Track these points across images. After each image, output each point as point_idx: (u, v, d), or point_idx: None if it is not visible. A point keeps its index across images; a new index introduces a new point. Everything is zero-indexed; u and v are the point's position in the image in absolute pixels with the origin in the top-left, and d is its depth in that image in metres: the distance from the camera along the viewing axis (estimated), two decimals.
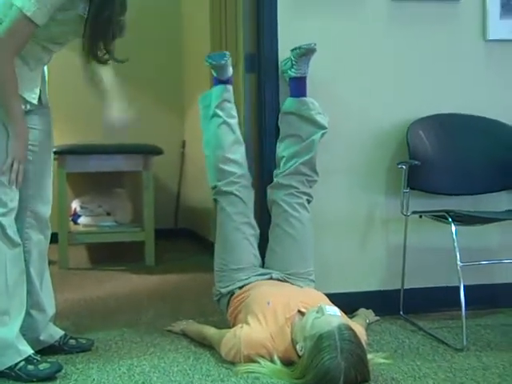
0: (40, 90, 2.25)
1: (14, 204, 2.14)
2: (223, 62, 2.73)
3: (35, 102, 2.20)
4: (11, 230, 2.13)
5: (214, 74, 2.79)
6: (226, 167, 2.66)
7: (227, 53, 2.76)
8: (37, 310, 2.29)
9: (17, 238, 2.15)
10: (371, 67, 2.87)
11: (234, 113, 2.75)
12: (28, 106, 2.18)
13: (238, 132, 2.74)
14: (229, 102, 2.74)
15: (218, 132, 2.70)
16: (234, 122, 2.73)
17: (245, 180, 2.69)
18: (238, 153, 2.70)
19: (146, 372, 2.16)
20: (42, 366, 2.10)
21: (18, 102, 2.12)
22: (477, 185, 2.83)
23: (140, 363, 2.25)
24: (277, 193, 2.69)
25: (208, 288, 2.84)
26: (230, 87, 2.77)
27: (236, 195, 2.65)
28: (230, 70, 2.79)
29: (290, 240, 2.63)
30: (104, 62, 2.21)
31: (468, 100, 2.92)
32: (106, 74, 2.39)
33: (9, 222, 2.12)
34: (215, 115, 2.71)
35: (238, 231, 2.63)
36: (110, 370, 2.18)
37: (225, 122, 2.70)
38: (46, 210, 2.31)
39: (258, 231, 2.69)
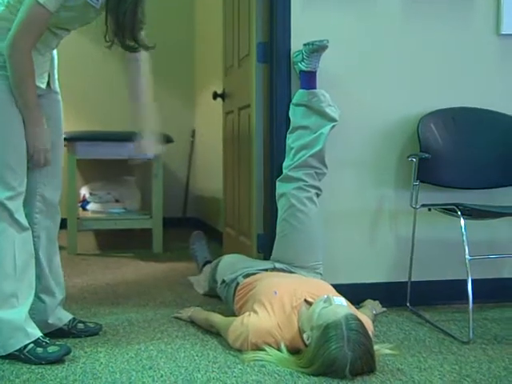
0: (49, 75, 2.25)
1: (22, 188, 2.15)
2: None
3: (43, 86, 2.21)
4: (19, 214, 2.14)
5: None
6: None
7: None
8: (46, 294, 2.32)
9: (25, 222, 2.16)
10: (383, 61, 2.87)
11: None
12: (37, 91, 2.18)
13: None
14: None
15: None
16: None
17: None
18: None
19: (153, 357, 2.18)
20: (50, 349, 2.12)
21: (34, 91, 2.13)
22: (487, 179, 2.83)
23: (147, 348, 2.27)
24: (286, 186, 2.69)
25: None
26: None
27: None
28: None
29: (297, 234, 2.64)
30: (134, 50, 2.20)
31: (481, 94, 2.91)
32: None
33: (16, 206, 2.13)
34: None
35: None
36: (118, 355, 2.20)
37: None
38: (55, 195, 2.32)
39: None
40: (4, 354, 2.12)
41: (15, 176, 2.12)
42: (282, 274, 2.53)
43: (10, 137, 2.12)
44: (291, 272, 2.56)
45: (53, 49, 2.26)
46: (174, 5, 5.39)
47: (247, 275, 2.53)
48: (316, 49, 2.65)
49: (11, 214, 2.11)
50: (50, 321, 2.33)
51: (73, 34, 2.27)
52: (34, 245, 2.23)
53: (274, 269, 2.57)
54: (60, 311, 2.38)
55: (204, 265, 3.23)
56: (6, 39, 2.04)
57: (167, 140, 4.45)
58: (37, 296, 2.25)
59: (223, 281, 2.63)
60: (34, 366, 2.08)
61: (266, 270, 2.56)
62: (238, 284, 2.53)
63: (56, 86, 2.33)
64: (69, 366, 2.10)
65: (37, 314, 2.25)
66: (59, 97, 2.36)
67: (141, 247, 4.41)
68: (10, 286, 2.12)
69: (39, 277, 2.26)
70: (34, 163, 2.19)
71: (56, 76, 2.34)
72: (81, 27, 2.24)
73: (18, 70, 2.07)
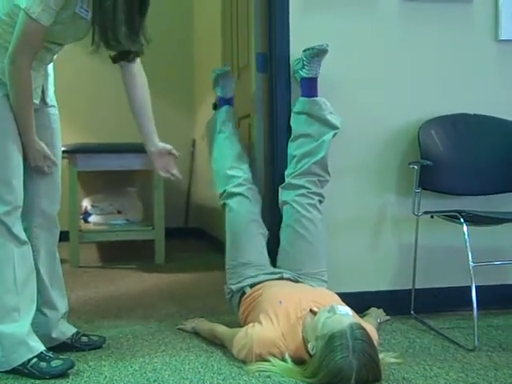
0: (43, 90, 2.24)
1: (19, 202, 2.13)
2: (226, 68, 3.09)
3: (37, 101, 2.20)
4: (17, 229, 2.12)
5: (219, 94, 3.06)
6: (234, 172, 2.78)
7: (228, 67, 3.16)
8: (48, 308, 2.30)
9: (23, 237, 2.15)
10: (383, 67, 2.87)
11: (236, 130, 2.98)
12: None
13: (242, 147, 2.91)
14: (231, 120, 2.97)
15: (224, 144, 2.88)
16: (237, 138, 2.93)
17: (251, 184, 2.78)
18: (245, 164, 2.84)
19: (157, 370, 2.17)
20: (54, 363, 2.11)
21: (31, 111, 2.12)
22: (489, 185, 2.82)
23: (152, 361, 2.26)
24: (288, 193, 2.69)
25: (218, 286, 2.85)
26: (231, 108, 3.03)
27: (244, 195, 2.72)
28: (232, 89, 3.07)
29: (302, 240, 2.63)
30: (112, 49, 2.15)
31: (480, 100, 2.91)
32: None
33: (13, 221, 2.11)
34: (220, 131, 2.92)
35: (246, 228, 2.67)
36: (122, 368, 2.19)
37: (229, 137, 2.90)
38: (54, 208, 2.31)
39: (267, 232, 2.71)
40: (8, 368, 2.11)
41: (11, 190, 2.11)
42: (287, 283, 2.51)
43: (5, 151, 2.11)
44: (298, 281, 2.55)
45: (46, 64, 2.25)
46: (172, 14, 5.40)
47: (253, 285, 2.52)
48: (316, 53, 2.67)
49: (9, 229, 2.10)
50: (53, 335, 2.32)
51: (73, 47, 2.27)
52: (34, 259, 2.22)
53: (282, 278, 2.55)
54: (63, 325, 2.37)
55: (220, 104, 3.08)
56: (6, 57, 2.04)
57: None
58: (39, 310, 2.24)
59: (230, 289, 2.62)
60: (37, 381, 2.07)
61: (273, 279, 2.55)
62: (244, 293, 2.52)
63: (51, 99, 2.32)
64: (73, 380, 2.08)
65: (39, 328, 2.23)
66: (55, 110, 2.34)
67: (143, 258, 4.40)
68: (12, 300, 2.11)
69: (40, 291, 2.24)
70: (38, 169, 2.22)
71: (52, 90, 2.33)
72: (75, 42, 2.22)
73: (18, 88, 2.07)
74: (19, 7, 2.01)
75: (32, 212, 2.24)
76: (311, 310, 2.19)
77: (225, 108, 3.01)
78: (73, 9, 2.07)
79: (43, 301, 2.27)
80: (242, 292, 2.54)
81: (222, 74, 3.08)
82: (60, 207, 2.36)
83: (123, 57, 2.26)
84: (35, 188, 2.24)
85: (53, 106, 2.33)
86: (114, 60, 2.28)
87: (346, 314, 2.08)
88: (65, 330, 2.37)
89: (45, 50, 2.16)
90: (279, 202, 2.73)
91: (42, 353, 2.13)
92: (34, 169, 2.22)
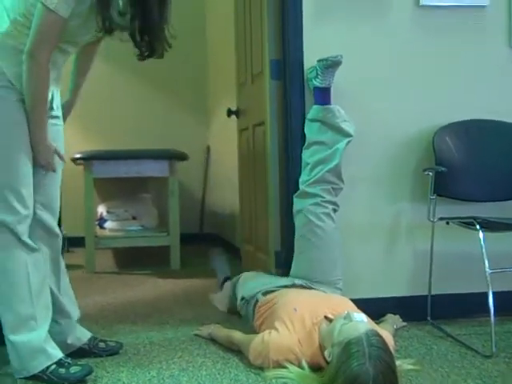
0: (52, 96, 2.21)
1: (29, 211, 2.13)
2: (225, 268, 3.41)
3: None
4: (26, 237, 2.12)
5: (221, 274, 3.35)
6: None
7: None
8: (62, 317, 2.31)
9: (33, 244, 2.15)
10: (397, 74, 2.87)
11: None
12: None
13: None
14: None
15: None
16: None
17: None
18: None
19: (175, 376, 2.18)
20: (73, 369, 2.12)
21: (46, 107, 2.12)
22: (504, 191, 2.81)
23: (169, 367, 2.27)
24: (303, 202, 2.70)
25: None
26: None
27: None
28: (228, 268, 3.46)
29: (316, 250, 2.64)
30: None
31: (494, 106, 2.90)
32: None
33: (23, 229, 2.11)
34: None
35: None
36: (140, 374, 2.21)
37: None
38: (53, 220, 2.29)
39: None
40: (28, 375, 2.13)
41: (20, 199, 2.10)
42: (301, 290, 2.52)
43: (16, 159, 2.09)
44: (311, 288, 2.56)
45: (58, 68, 2.21)
46: (186, 22, 5.42)
47: (266, 292, 2.53)
48: (330, 64, 2.67)
49: (18, 237, 2.10)
50: (69, 341, 2.33)
51: None
52: None
53: (294, 285, 2.57)
54: (78, 330, 2.38)
55: (224, 281, 3.24)
56: (25, 53, 2.03)
57: (182, 157, 4.49)
58: (53, 320, 2.24)
59: (243, 297, 2.64)
60: None
61: (286, 286, 2.56)
62: (257, 301, 2.53)
63: (58, 108, 2.29)
64: None
65: (55, 336, 2.23)
66: (59, 121, 2.31)
67: (159, 264, 4.42)
68: (28, 308, 2.12)
69: (52, 302, 2.24)
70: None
71: (59, 97, 2.30)
72: (90, 39, 2.22)
73: (36, 84, 2.05)
74: (35, 3, 2.00)
75: (34, 224, 2.20)
76: (326, 317, 2.19)
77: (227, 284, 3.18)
78: (89, 2, 2.06)
79: (56, 311, 2.27)
80: (255, 300, 2.55)
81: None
82: (66, 215, 2.32)
83: (150, 53, 2.25)
84: (36, 200, 2.20)
85: (56, 117, 2.29)
86: (141, 57, 2.25)
87: (361, 320, 2.08)
88: (80, 336, 2.38)
89: (58, 51, 2.14)
90: (293, 210, 2.74)
91: (60, 359, 2.14)
92: (38, 177, 2.18)
